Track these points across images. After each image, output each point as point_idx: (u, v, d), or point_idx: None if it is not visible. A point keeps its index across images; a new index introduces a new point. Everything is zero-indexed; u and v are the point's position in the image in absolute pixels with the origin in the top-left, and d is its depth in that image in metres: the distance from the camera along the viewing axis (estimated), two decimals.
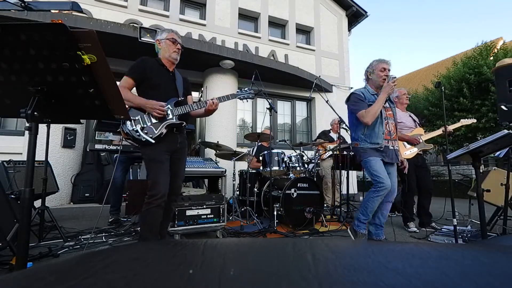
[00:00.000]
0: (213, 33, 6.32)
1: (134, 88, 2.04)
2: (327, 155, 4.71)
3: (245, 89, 2.30)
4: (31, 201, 1.01)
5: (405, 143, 3.23)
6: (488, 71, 8.25)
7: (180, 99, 2.05)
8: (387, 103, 2.54)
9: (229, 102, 5.76)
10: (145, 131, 1.89)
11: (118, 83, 1.83)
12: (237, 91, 2.27)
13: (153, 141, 1.87)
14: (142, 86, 2.00)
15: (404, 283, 0.24)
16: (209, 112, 2.11)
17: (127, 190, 3.31)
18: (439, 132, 3.36)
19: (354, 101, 2.47)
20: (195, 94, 6.21)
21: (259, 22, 7.10)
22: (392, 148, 2.47)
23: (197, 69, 5.83)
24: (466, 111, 8.88)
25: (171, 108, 1.97)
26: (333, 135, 4.91)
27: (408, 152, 3.18)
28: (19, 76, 0.96)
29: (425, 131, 3.46)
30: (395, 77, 2.37)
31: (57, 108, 1.05)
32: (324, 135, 4.94)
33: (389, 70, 2.46)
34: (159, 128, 1.92)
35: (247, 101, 2.30)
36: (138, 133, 1.87)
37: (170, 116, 1.97)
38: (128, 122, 1.91)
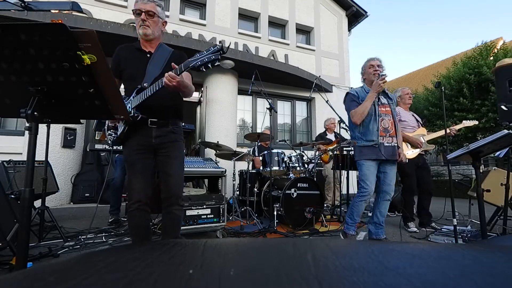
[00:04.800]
0: (213, 33, 6.32)
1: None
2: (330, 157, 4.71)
3: (208, 48, 1.50)
4: (31, 201, 1.01)
5: (407, 143, 3.22)
6: (488, 71, 8.25)
7: (143, 85, 1.64)
8: (385, 100, 2.53)
9: (229, 102, 5.80)
10: (111, 131, 1.71)
11: None
12: (196, 54, 1.51)
13: (109, 141, 1.71)
14: (123, 80, 1.76)
15: (404, 283, 0.24)
16: (179, 89, 1.61)
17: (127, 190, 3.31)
18: (441, 133, 3.32)
19: (348, 100, 2.55)
20: (195, 94, 6.21)
21: (259, 22, 7.10)
22: (388, 144, 2.41)
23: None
24: (466, 111, 8.88)
25: (131, 100, 1.64)
26: (330, 136, 4.91)
27: (410, 152, 3.17)
28: (19, 76, 0.96)
29: (427, 131, 3.45)
30: (384, 75, 2.37)
31: (57, 108, 1.05)
32: (321, 138, 4.93)
33: (378, 65, 2.47)
34: (121, 126, 1.67)
35: (210, 66, 1.49)
36: (108, 133, 1.72)
37: (129, 109, 1.62)
38: (107, 121, 1.75)
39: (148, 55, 1.74)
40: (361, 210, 2.47)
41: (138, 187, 1.64)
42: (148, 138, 1.68)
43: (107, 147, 3.04)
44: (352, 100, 2.51)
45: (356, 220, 2.50)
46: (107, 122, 1.77)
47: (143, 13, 1.67)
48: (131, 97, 1.65)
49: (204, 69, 1.50)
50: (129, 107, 1.61)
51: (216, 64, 1.49)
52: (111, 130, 1.72)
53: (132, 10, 1.70)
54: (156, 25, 1.73)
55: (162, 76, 1.57)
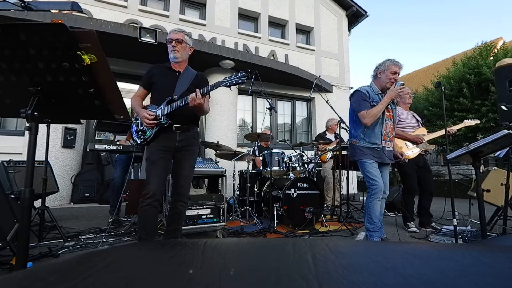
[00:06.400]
0: (213, 33, 6.32)
1: None
2: (329, 157, 4.71)
3: (236, 74, 1.88)
4: (31, 201, 1.01)
5: (408, 142, 3.21)
6: (488, 71, 8.25)
7: (173, 97, 1.96)
8: (388, 104, 2.54)
9: (229, 102, 5.80)
10: (140, 133, 2.02)
11: (138, 87, 2.13)
12: (225, 78, 1.91)
13: (139, 142, 2.01)
14: (151, 91, 2.10)
15: (404, 283, 0.24)
16: (196, 108, 1.86)
17: (127, 190, 3.31)
18: (441, 132, 3.32)
19: (358, 99, 2.46)
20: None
21: (259, 22, 7.10)
22: (388, 149, 2.52)
23: (197, 69, 5.77)
24: (466, 111, 8.89)
25: (162, 108, 1.95)
26: (330, 136, 4.90)
27: (410, 152, 3.17)
28: (19, 76, 0.96)
29: (427, 132, 3.45)
30: (403, 84, 2.36)
31: (57, 108, 1.05)
32: (321, 138, 4.92)
33: (398, 74, 2.43)
34: (149, 130, 1.97)
35: (237, 87, 1.98)
36: (135, 135, 2.06)
37: (159, 116, 1.94)
38: (134, 124, 2.08)
39: (177, 74, 2.09)
40: (377, 210, 2.36)
41: (157, 182, 1.86)
42: (173, 141, 1.96)
43: (107, 147, 3.05)
44: (363, 99, 2.43)
45: (376, 223, 2.36)
46: (133, 126, 2.08)
47: (173, 41, 2.02)
48: (161, 106, 1.95)
49: (230, 89, 1.97)
50: (159, 114, 1.93)
51: (241, 86, 1.85)
52: (140, 133, 2.02)
53: (165, 40, 2.07)
54: (184, 50, 2.09)
55: (188, 91, 1.92)
